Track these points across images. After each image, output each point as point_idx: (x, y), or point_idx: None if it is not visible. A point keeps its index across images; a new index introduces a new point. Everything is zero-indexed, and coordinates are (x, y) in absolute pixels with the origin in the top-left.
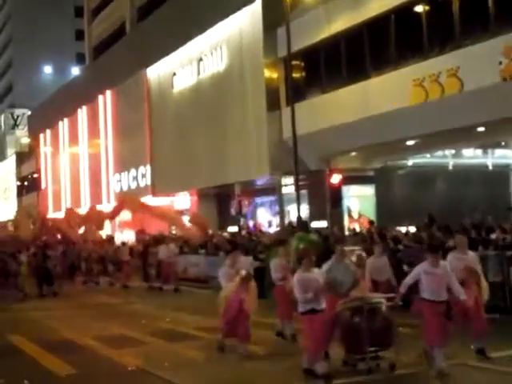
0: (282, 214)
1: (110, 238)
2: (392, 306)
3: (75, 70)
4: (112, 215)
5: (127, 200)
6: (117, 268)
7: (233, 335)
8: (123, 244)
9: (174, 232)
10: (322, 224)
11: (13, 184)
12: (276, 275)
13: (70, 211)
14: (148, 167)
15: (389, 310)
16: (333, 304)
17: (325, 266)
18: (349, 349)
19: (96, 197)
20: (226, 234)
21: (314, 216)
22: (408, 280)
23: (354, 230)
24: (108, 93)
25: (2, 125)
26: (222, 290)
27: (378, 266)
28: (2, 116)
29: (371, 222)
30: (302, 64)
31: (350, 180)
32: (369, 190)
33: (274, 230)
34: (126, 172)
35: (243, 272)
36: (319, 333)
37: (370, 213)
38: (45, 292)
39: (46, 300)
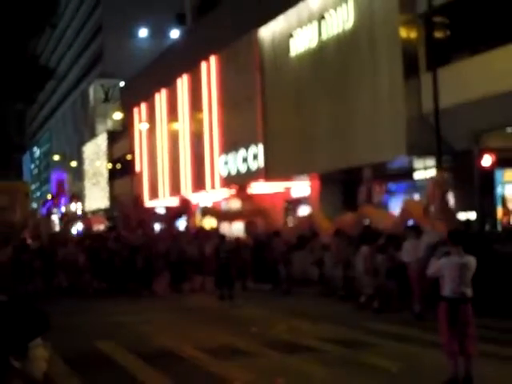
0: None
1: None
2: None
3: (175, 33)
4: None
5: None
6: None
7: None
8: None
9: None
10: (469, 216)
11: (103, 167)
12: None
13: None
14: (260, 146)
15: None
16: None
17: None
18: None
19: (199, 182)
20: None
21: (460, 206)
22: None
23: (509, 224)
24: (212, 59)
25: (91, 98)
26: None
27: None
28: (91, 88)
29: None
30: (447, 21)
31: (504, 162)
32: None
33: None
34: (235, 152)
35: None
36: None
37: None
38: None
39: (135, 302)
